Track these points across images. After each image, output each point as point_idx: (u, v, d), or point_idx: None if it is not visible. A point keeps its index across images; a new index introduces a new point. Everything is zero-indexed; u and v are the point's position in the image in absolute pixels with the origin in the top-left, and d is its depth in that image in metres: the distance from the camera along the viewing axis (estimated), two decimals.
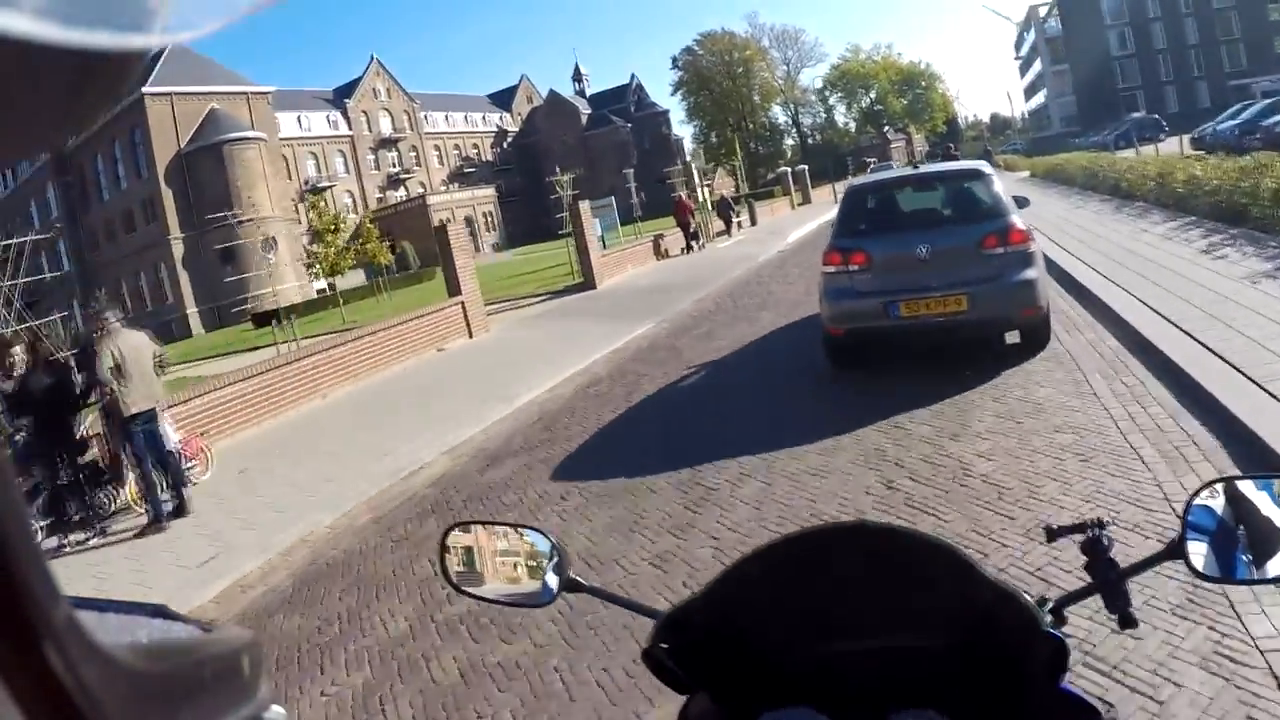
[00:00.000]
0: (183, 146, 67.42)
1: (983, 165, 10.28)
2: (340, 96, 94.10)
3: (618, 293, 23.14)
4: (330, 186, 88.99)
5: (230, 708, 0.63)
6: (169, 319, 66.55)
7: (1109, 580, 1.44)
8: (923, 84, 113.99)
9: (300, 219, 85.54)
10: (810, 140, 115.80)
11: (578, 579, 1.64)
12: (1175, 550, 1.38)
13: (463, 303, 19.45)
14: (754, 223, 42.83)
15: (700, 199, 37.33)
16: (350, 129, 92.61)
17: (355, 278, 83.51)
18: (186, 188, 67.42)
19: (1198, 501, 1.40)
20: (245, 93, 72.30)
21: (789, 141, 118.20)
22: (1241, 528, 1.38)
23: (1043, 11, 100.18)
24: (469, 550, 1.72)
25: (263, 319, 53.51)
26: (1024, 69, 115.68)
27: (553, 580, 1.63)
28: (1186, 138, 34.39)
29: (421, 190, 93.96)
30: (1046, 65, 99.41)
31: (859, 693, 1.40)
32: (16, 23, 0.31)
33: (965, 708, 1.36)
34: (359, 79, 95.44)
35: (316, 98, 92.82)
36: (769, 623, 1.48)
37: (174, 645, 0.66)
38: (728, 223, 39.11)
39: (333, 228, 47.88)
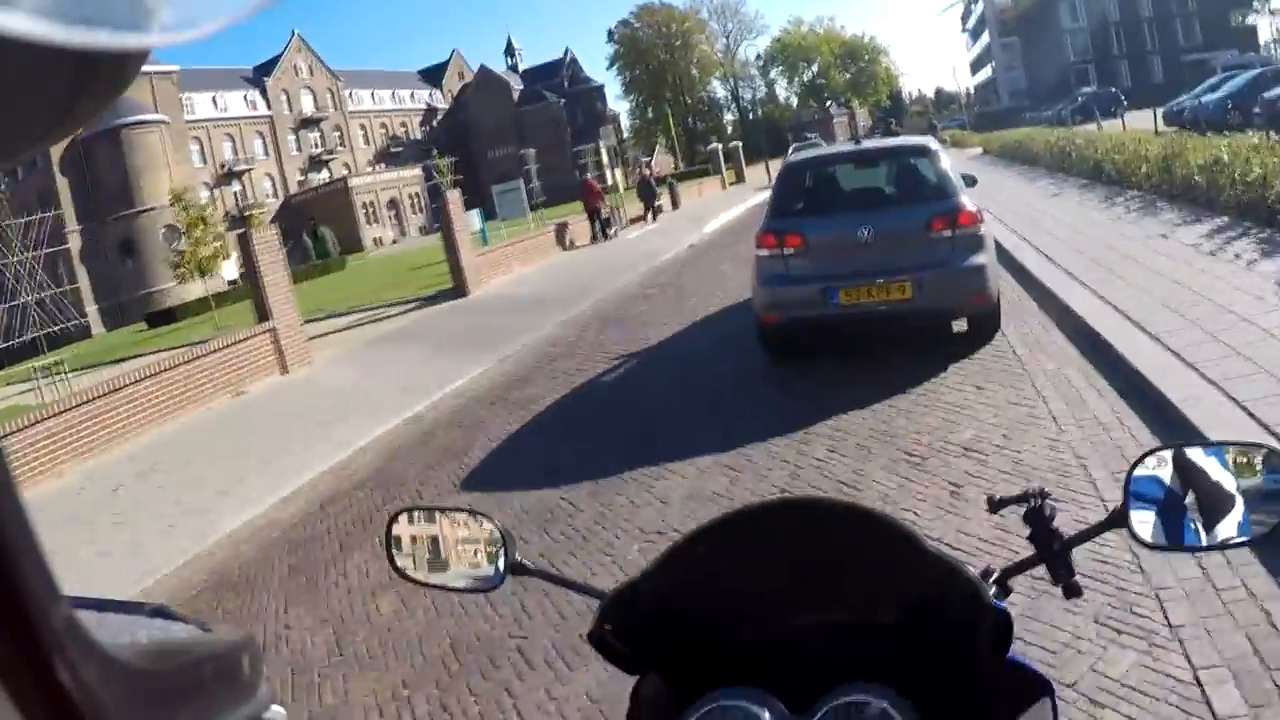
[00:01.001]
0: (79, 132, 62.30)
1: (929, 141, 9.56)
2: (260, 75, 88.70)
3: (486, 303, 19.11)
4: (248, 170, 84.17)
5: (230, 707, 0.63)
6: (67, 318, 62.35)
7: (1052, 550, 1.43)
8: (866, 57, 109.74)
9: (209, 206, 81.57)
10: (750, 115, 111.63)
11: (524, 562, 1.62)
12: (1118, 519, 1.39)
13: (274, 330, 15.25)
14: (676, 206, 38.77)
15: (610, 180, 33.07)
16: (269, 109, 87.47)
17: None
18: (84, 176, 62.63)
19: (1140, 472, 1.41)
20: (148, 73, 66.92)
21: (729, 117, 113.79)
22: (1191, 494, 1.38)
23: None
24: (414, 538, 1.69)
25: (157, 319, 49.26)
26: (971, 42, 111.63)
27: (499, 564, 1.61)
28: (1159, 111, 30.55)
29: (346, 171, 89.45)
30: (995, 38, 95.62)
31: (807, 670, 1.34)
32: (16, 23, 0.30)
33: (914, 681, 1.30)
34: (279, 56, 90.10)
35: (235, 76, 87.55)
36: (714, 601, 1.45)
37: (174, 645, 0.66)
38: (649, 206, 35.09)
39: (200, 222, 42.68)
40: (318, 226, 75.58)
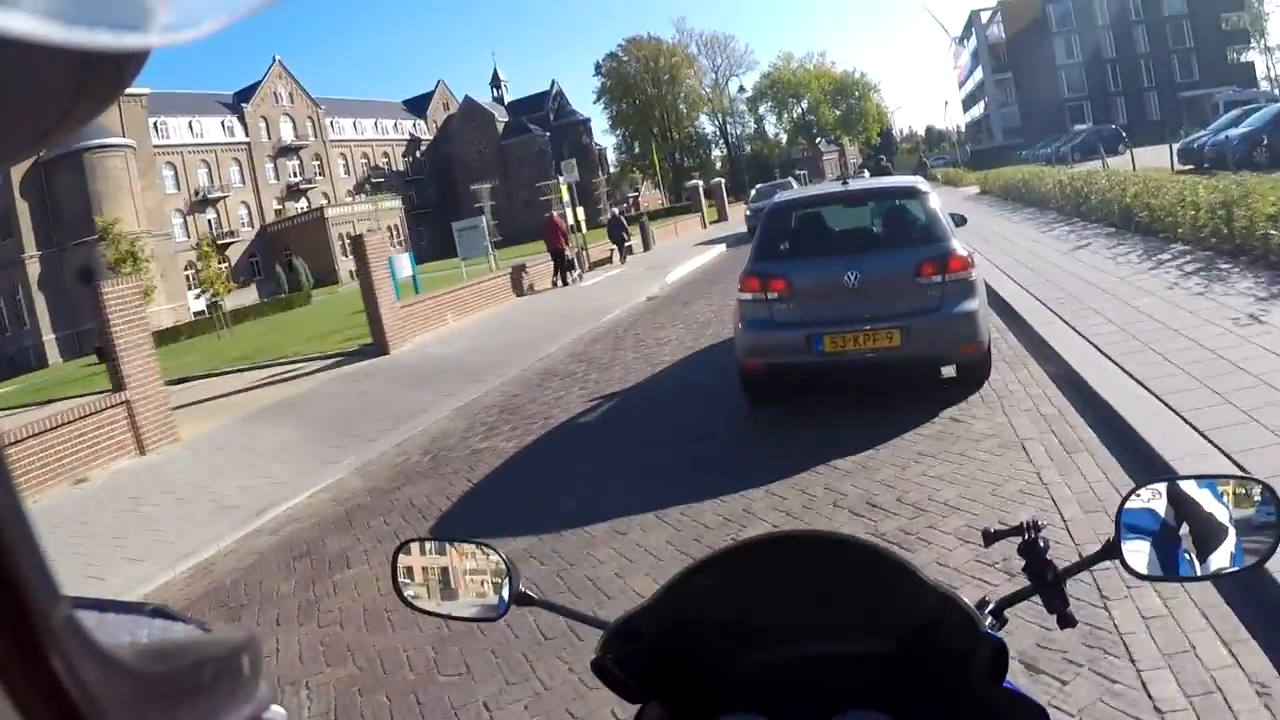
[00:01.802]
0: (40, 154, 59.79)
1: (918, 181, 9.48)
2: (239, 100, 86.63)
3: (398, 368, 16.35)
4: (223, 197, 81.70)
5: (230, 708, 0.62)
6: (27, 346, 60.02)
7: (1047, 581, 1.46)
8: (857, 94, 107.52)
9: (174, 234, 78.85)
10: (737, 152, 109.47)
11: (527, 592, 1.64)
12: (1110, 551, 1.41)
13: (128, 402, 12.52)
14: (647, 246, 36.21)
15: (572, 218, 30.52)
16: (248, 135, 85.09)
17: (245, 295, 77.20)
18: (45, 200, 59.97)
19: (1133, 504, 1.43)
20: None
21: (717, 152, 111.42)
22: (1185, 526, 1.40)
23: (985, 16, 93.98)
24: (421, 568, 1.71)
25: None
26: (963, 78, 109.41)
27: (504, 594, 1.62)
28: (1175, 148, 27.98)
29: (325, 201, 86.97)
30: (988, 74, 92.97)
31: (807, 698, 1.39)
32: (16, 23, 0.30)
33: (911, 709, 1.35)
34: (259, 82, 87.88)
35: (215, 101, 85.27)
36: (716, 631, 1.47)
37: (174, 645, 0.66)
38: (620, 246, 32.54)
39: (130, 258, 40.64)
40: (292, 258, 73.47)
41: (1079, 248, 15.08)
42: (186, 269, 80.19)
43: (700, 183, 53.05)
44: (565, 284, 27.82)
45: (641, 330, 15.90)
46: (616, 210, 33.26)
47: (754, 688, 1.43)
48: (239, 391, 17.45)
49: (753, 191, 37.56)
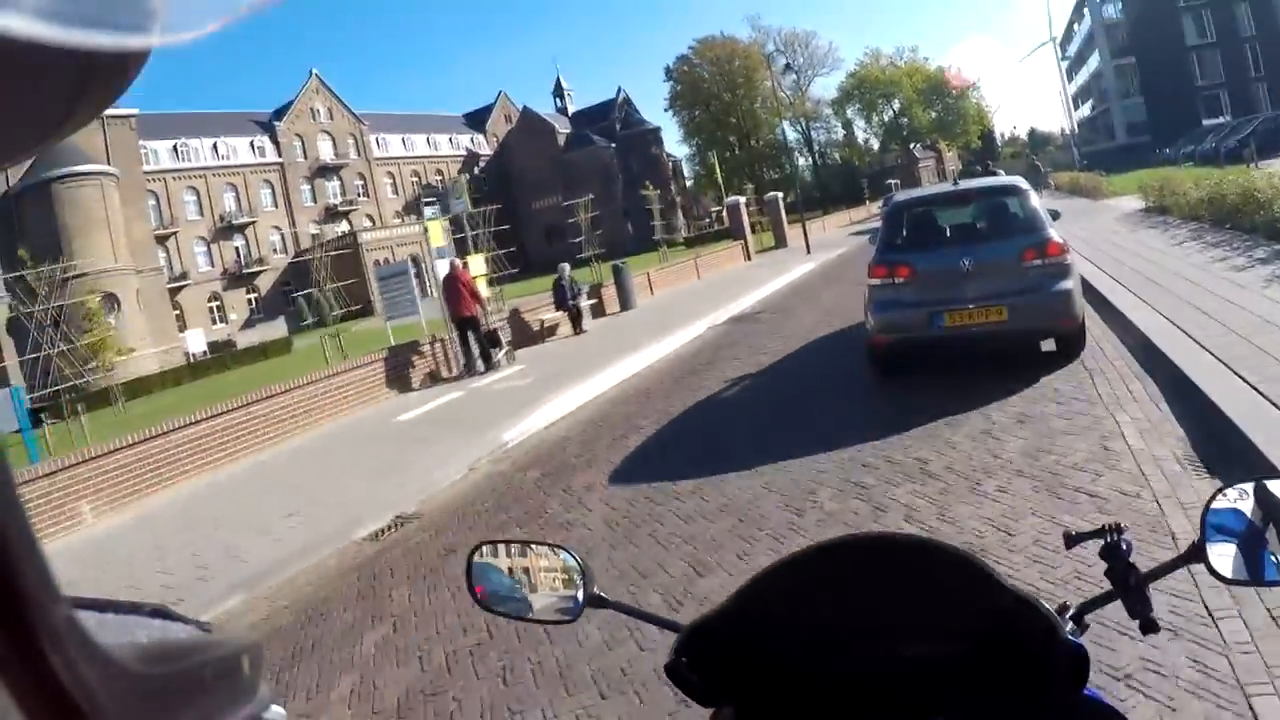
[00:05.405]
0: (11, 185, 50.87)
1: (1019, 180, 10.19)
2: (272, 119, 77.35)
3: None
4: (251, 222, 72.38)
5: (230, 708, 0.62)
6: None
7: (1129, 585, 1.39)
8: (954, 92, 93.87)
9: (198, 263, 69.62)
10: (823, 160, 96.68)
11: (602, 594, 1.59)
12: (1195, 554, 1.35)
13: None
14: (625, 304, 24.25)
15: (482, 268, 19.18)
16: (280, 155, 75.70)
17: (273, 329, 67.66)
18: (14, 235, 50.75)
19: (1219, 504, 1.36)
20: (102, 117, 55.21)
21: (802, 162, 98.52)
22: (1271, 528, 1.33)
23: None
24: (495, 568, 1.68)
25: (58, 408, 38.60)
26: (1073, 69, 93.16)
27: (578, 596, 1.60)
28: None
29: (370, 223, 77.16)
30: (1105, 61, 77.31)
31: (884, 704, 1.35)
32: (16, 23, 0.30)
33: (990, 716, 1.32)
34: (293, 100, 78.49)
35: (247, 120, 76.07)
36: (791, 635, 1.42)
37: (174, 646, 0.65)
38: (569, 311, 20.94)
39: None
40: (316, 287, 63.73)
41: None
42: (211, 300, 72.46)
43: (742, 199, 39.10)
44: (485, 369, 17.04)
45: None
46: (566, 266, 21.25)
47: (830, 693, 1.37)
48: None
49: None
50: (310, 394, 14.36)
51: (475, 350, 17.19)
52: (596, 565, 5.67)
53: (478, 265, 18.73)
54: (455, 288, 17.06)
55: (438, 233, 18.02)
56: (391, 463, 10.30)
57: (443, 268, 17.69)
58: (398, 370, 16.73)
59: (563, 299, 20.87)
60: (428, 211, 20.63)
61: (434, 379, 17.19)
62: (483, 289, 18.11)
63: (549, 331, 20.64)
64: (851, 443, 7.42)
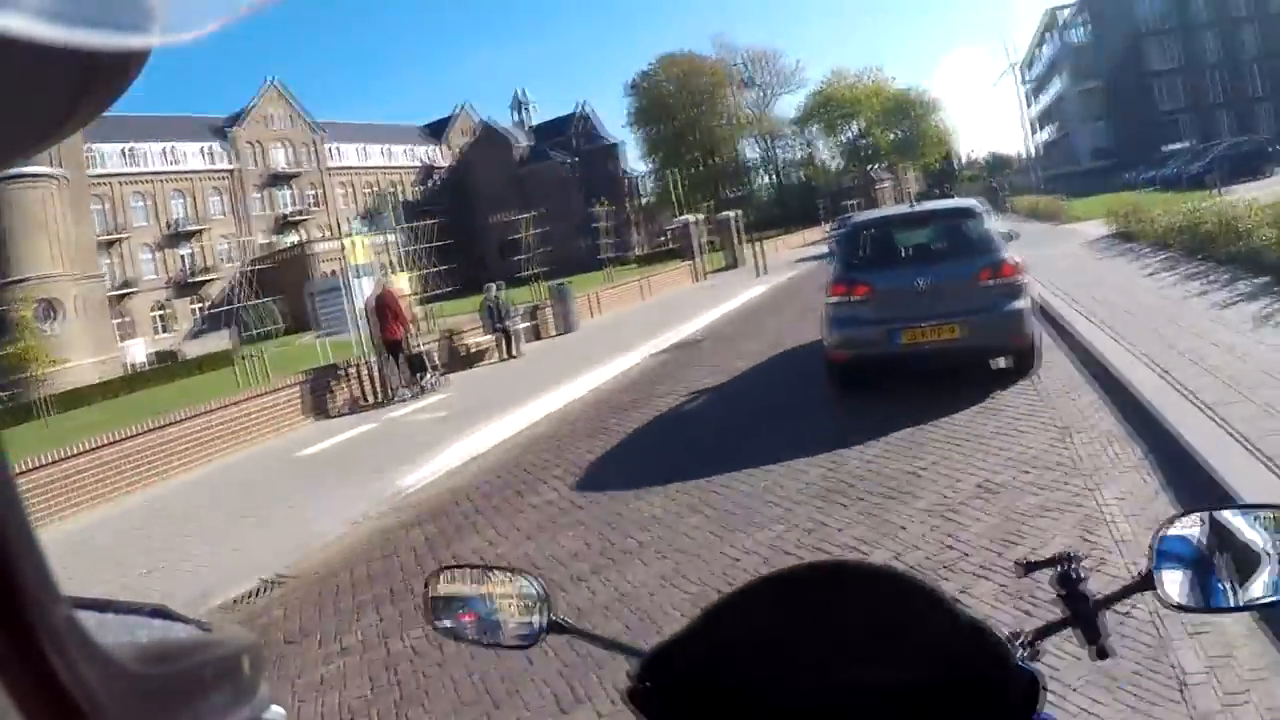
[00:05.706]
0: None
1: (974, 203, 10.66)
2: (230, 125, 75.72)
3: None
4: (201, 230, 70.73)
5: (230, 708, 0.62)
6: None
7: (1083, 612, 1.40)
8: (915, 113, 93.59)
9: (143, 271, 67.94)
10: (785, 179, 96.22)
11: (561, 620, 1.56)
12: (1146, 581, 1.36)
13: None
14: (566, 327, 23.31)
15: (409, 287, 18.33)
16: (233, 162, 74.16)
17: (220, 340, 65.94)
18: None
19: (1170, 532, 1.37)
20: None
21: (765, 180, 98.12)
22: (1225, 555, 1.34)
23: (1063, 16, 77.57)
24: (453, 595, 1.64)
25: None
26: (1037, 93, 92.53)
27: (537, 622, 1.56)
28: None
29: (321, 234, 75.63)
30: (1067, 85, 76.75)
31: None
32: (16, 23, 0.30)
33: None
34: (249, 106, 76.93)
35: (201, 125, 74.29)
36: (749, 662, 1.41)
37: (174, 646, 0.65)
38: (502, 333, 19.99)
39: None
40: (254, 300, 61.83)
41: None
42: (155, 310, 70.64)
43: (692, 219, 37.56)
44: (410, 395, 16.13)
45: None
46: (494, 286, 20.30)
47: (787, 718, 1.37)
48: None
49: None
50: (211, 422, 13.33)
51: (400, 375, 16.28)
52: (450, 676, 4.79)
53: (403, 284, 17.77)
54: (383, 311, 16.13)
55: (359, 250, 17.03)
56: (275, 510, 9.35)
57: (368, 286, 16.77)
58: (318, 395, 15.78)
59: (491, 321, 19.89)
60: (355, 225, 19.69)
61: (354, 406, 16.24)
62: (416, 308, 17.20)
63: (477, 357, 19.69)
64: (777, 509, 6.56)
